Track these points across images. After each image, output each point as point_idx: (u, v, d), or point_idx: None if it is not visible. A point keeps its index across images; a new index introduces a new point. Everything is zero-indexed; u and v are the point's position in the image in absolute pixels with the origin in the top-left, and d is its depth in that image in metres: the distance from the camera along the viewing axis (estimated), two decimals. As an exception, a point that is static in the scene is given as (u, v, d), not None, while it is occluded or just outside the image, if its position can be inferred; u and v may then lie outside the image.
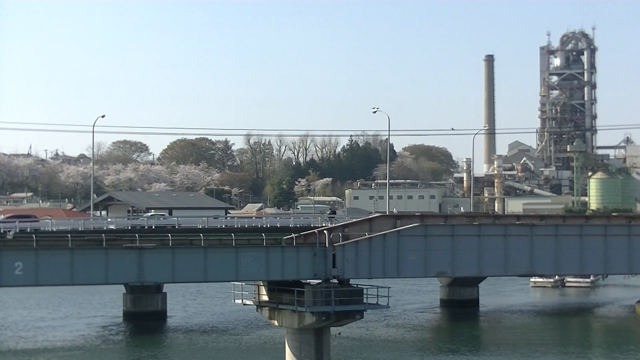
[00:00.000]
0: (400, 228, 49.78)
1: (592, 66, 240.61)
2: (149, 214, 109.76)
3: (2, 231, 76.75)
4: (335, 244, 48.47)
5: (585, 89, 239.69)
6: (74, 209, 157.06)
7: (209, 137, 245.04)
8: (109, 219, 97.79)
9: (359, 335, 70.96)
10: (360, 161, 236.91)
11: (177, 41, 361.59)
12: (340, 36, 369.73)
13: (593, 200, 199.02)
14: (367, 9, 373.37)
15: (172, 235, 50.30)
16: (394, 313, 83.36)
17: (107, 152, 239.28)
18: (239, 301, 52.91)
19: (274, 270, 47.60)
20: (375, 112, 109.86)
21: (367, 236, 49.24)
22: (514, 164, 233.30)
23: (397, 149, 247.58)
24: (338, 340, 64.53)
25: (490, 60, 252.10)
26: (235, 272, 47.26)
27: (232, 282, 51.37)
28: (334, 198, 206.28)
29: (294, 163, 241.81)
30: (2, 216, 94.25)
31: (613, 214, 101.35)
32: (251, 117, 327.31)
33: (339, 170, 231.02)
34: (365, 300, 48.89)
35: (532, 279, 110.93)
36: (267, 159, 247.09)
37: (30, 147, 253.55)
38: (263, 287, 51.22)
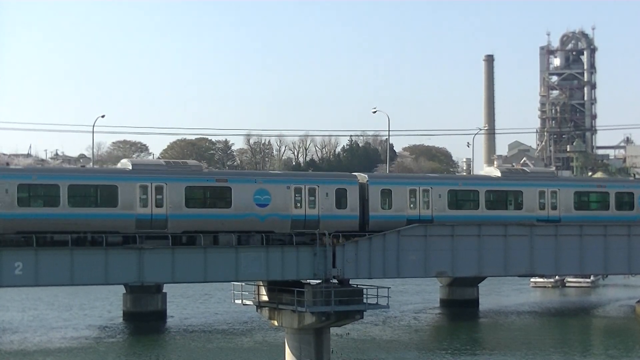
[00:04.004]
0: (401, 228, 49.81)
1: (592, 66, 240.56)
2: None
3: None
4: (335, 244, 48.49)
5: (585, 89, 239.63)
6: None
7: (209, 137, 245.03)
8: None
9: (359, 335, 70.98)
10: (360, 161, 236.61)
11: (177, 41, 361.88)
12: (340, 36, 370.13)
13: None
14: (367, 9, 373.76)
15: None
16: (394, 313, 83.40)
17: (107, 152, 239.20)
18: (239, 301, 52.92)
19: (274, 270, 47.59)
20: (375, 112, 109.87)
21: (367, 236, 49.28)
22: (514, 164, 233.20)
23: (397, 149, 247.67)
24: (338, 340, 64.54)
25: (490, 60, 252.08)
26: (235, 272, 47.23)
27: (232, 282, 51.41)
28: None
29: (294, 163, 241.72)
30: None
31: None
32: (251, 117, 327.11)
33: (339, 170, 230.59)
34: (365, 301, 48.87)
35: (532, 279, 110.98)
36: (267, 159, 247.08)
37: (30, 147, 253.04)
38: (263, 287, 51.23)
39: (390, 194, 50.68)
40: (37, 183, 44.93)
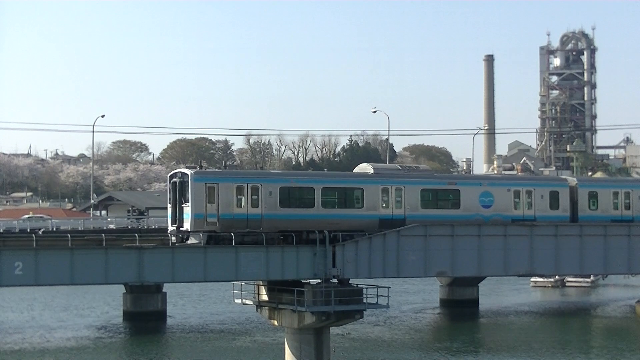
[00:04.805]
0: (400, 228, 49.80)
1: (592, 66, 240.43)
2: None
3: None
4: (335, 244, 48.48)
5: (585, 89, 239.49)
6: (74, 209, 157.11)
7: (209, 137, 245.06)
8: None
9: (359, 335, 70.97)
10: (360, 161, 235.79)
11: (177, 41, 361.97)
12: (340, 36, 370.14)
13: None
14: (366, 9, 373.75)
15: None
16: (393, 313, 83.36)
17: (107, 151, 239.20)
18: (239, 301, 52.95)
19: (274, 270, 47.59)
20: (375, 112, 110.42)
21: (367, 236, 49.28)
22: (513, 163, 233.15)
23: (397, 149, 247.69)
24: (339, 340, 64.53)
25: (490, 60, 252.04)
26: (235, 271, 47.24)
27: (232, 282, 51.42)
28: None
29: (293, 163, 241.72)
30: None
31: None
32: (251, 117, 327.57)
33: (339, 170, 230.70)
34: (365, 300, 48.88)
35: (532, 279, 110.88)
36: (267, 158, 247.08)
37: (30, 147, 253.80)
38: (263, 287, 51.23)
39: (596, 196, 54.60)
40: (295, 186, 48.87)
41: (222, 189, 46.76)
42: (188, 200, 46.68)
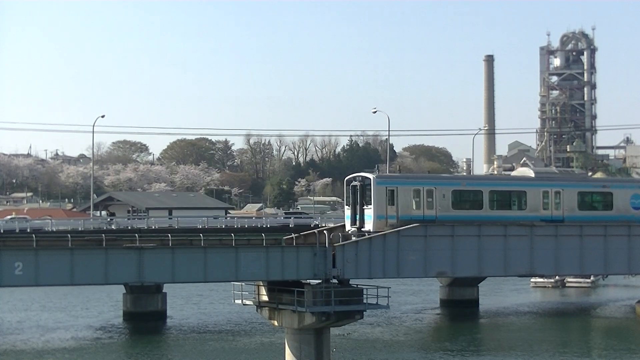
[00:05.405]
0: (400, 228, 49.83)
1: (592, 66, 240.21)
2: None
3: (1, 231, 77.26)
4: (335, 244, 48.51)
5: (585, 89, 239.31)
6: (74, 209, 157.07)
7: (209, 137, 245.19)
8: None
9: (359, 335, 70.96)
10: (360, 161, 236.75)
11: (177, 41, 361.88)
12: (340, 36, 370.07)
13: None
14: (367, 9, 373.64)
15: (172, 235, 50.38)
16: (394, 313, 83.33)
17: (107, 152, 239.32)
18: (239, 301, 52.97)
19: (274, 270, 47.61)
20: (375, 112, 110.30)
21: (367, 236, 49.29)
22: (513, 164, 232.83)
23: (397, 149, 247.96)
24: (338, 340, 64.50)
25: (490, 60, 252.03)
26: (235, 272, 47.27)
27: (232, 282, 51.43)
28: (334, 198, 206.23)
29: (293, 163, 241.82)
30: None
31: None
32: (251, 117, 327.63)
33: (339, 170, 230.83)
34: (365, 301, 48.90)
35: (532, 279, 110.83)
36: (267, 159, 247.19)
37: (30, 147, 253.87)
38: (263, 287, 51.25)
39: None
40: (465, 189, 52.11)
41: (400, 191, 50.01)
42: (370, 202, 49.77)
